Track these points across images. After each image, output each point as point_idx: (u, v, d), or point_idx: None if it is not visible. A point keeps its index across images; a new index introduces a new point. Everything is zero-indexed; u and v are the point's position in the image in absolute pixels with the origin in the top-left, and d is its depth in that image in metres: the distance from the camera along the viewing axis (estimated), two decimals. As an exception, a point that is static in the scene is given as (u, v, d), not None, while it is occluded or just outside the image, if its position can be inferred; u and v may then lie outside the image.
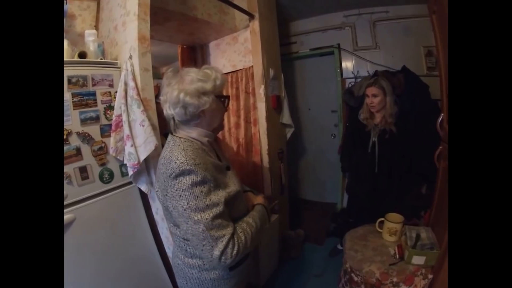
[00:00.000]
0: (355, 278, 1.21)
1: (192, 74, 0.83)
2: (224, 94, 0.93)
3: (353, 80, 2.71)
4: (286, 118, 2.41)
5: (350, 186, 2.19)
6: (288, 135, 2.53)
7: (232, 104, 2.35)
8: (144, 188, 1.34)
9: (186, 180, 0.75)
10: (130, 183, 1.37)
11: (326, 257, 2.23)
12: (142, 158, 1.23)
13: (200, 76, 0.83)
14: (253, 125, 2.25)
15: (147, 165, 1.32)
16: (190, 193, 0.75)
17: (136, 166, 1.24)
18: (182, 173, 0.75)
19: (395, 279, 1.11)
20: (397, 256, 1.20)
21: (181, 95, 0.80)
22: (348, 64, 2.80)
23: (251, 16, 2.03)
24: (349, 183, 2.23)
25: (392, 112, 1.80)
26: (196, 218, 0.74)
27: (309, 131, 3.30)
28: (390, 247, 1.29)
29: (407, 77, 2.16)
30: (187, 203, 0.75)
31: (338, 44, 2.76)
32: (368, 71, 2.64)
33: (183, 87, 0.80)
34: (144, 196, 1.43)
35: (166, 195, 0.80)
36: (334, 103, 2.97)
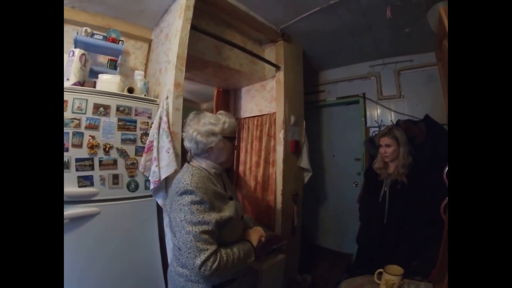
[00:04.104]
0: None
1: (206, 118, 1.04)
2: (234, 136, 1.12)
3: (377, 129, 2.74)
4: (304, 162, 2.50)
5: (360, 236, 2.12)
6: (306, 179, 2.59)
7: (255, 144, 2.57)
8: (160, 202, 1.57)
9: (187, 198, 0.93)
10: (150, 196, 1.60)
11: (330, 308, 2.10)
12: (162, 177, 1.48)
13: (212, 120, 1.04)
14: (271, 165, 2.39)
15: (166, 184, 1.54)
16: (188, 208, 0.92)
17: (156, 182, 1.48)
18: (185, 192, 0.93)
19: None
20: (389, 311, 1.15)
21: (194, 134, 1.02)
22: (373, 113, 2.86)
23: (277, 68, 2.31)
24: (359, 233, 2.15)
25: (405, 162, 1.79)
26: (188, 229, 0.89)
27: (332, 178, 3.29)
28: (385, 301, 1.24)
29: (429, 126, 2.13)
30: (184, 216, 0.91)
31: (364, 94, 2.86)
32: (391, 120, 2.65)
33: (197, 127, 1.03)
34: (159, 210, 1.64)
35: (171, 207, 0.99)
36: (358, 151, 2.98)
